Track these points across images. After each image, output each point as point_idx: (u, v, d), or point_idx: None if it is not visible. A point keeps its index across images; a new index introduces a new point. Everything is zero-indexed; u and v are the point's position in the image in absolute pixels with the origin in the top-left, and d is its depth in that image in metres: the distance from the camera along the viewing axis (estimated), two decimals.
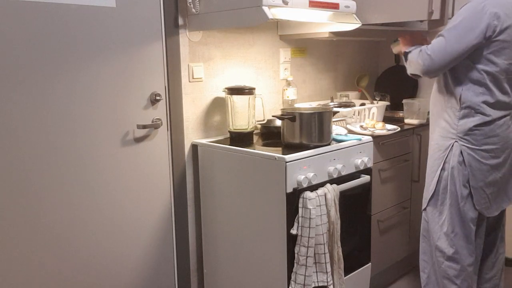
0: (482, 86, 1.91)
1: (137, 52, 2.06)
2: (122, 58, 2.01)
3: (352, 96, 2.99)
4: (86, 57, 1.91)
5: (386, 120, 2.69)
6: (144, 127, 2.10)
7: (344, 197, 2.06)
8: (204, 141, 2.25)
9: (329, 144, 2.08)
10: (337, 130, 2.26)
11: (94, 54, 1.93)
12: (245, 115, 2.27)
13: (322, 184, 1.99)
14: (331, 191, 1.97)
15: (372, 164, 2.27)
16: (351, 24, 2.34)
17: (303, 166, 1.93)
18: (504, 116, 1.96)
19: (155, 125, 2.14)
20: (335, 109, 2.36)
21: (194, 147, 2.28)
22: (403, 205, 2.67)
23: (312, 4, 2.06)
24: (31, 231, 1.83)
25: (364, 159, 2.19)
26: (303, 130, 2.04)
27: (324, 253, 1.93)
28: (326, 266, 1.95)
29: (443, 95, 2.04)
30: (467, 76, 1.92)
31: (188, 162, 2.28)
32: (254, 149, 2.04)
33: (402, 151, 2.58)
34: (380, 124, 2.41)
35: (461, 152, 1.97)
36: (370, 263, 2.34)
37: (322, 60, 2.96)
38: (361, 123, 2.52)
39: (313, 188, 1.95)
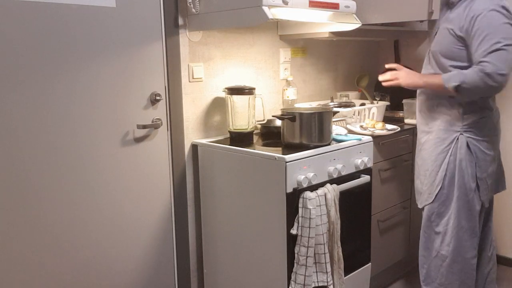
0: None
1: (137, 52, 2.06)
2: (122, 58, 2.01)
3: (352, 96, 2.99)
4: (86, 57, 1.91)
5: (386, 120, 2.69)
6: (144, 127, 2.10)
7: (344, 197, 2.06)
8: (204, 141, 2.25)
9: (329, 144, 2.08)
10: (337, 130, 2.26)
11: (94, 54, 1.93)
12: (245, 115, 2.27)
13: (322, 184, 1.99)
14: (331, 191, 1.97)
15: (372, 164, 2.27)
16: (351, 24, 2.34)
17: (303, 166, 1.93)
18: (496, 108, 2.06)
19: (155, 125, 2.14)
20: (335, 109, 2.36)
21: (194, 147, 2.28)
22: (403, 205, 2.67)
23: (312, 4, 2.06)
24: (31, 231, 1.83)
25: (364, 159, 2.19)
26: (303, 130, 2.04)
27: (324, 253, 1.93)
28: (326, 266, 1.95)
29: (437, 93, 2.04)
30: None
31: (188, 162, 2.28)
32: (254, 149, 2.04)
33: (402, 151, 2.58)
34: (380, 124, 2.41)
35: (467, 144, 1.99)
36: (370, 263, 2.34)
37: (322, 60, 2.96)
38: (361, 123, 2.52)
39: (313, 188, 1.95)
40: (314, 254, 1.92)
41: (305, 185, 1.92)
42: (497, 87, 1.84)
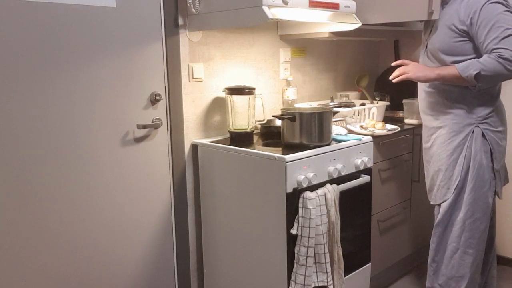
0: None
1: (137, 52, 2.06)
2: (122, 58, 2.01)
3: (352, 96, 2.99)
4: (86, 57, 1.91)
5: (386, 120, 2.69)
6: (144, 127, 2.10)
7: (344, 197, 2.06)
8: (204, 141, 2.25)
9: (329, 144, 2.08)
10: (337, 130, 2.26)
11: (94, 54, 1.93)
12: (245, 115, 2.27)
13: (322, 184, 1.99)
14: (331, 191, 1.97)
15: (372, 164, 2.27)
16: (351, 24, 2.34)
17: (303, 166, 1.93)
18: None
19: (155, 125, 2.14)
20: (335, 109, 2.36)
21: (194, 147, 2.28)
22: (403, 205, 2.67)
23: (312, 4, 2.06)
24: (31, 231, 1.83)
25: (364, 159, 2.19)
26: (303, 130, 2.04)
27: (324, 253, 1.93)
28: (326, 266, 1.95)
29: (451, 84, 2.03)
30: None
31: (188, 162, 2.28)
32: (254, 149, 2.04)
33: (402, 151, 2.58)
34: (380, 124, 2.40)
35: (483, 134, 2.00)
36: (370, 263, 2.34)
37: (322, 60, 2.96)
38: (361, 123, 2.52)
39: (313, 188, 1.95)
40: (314, 254, 1.92)
41: (305, 185, 1.92)
42: None
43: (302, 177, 1.90)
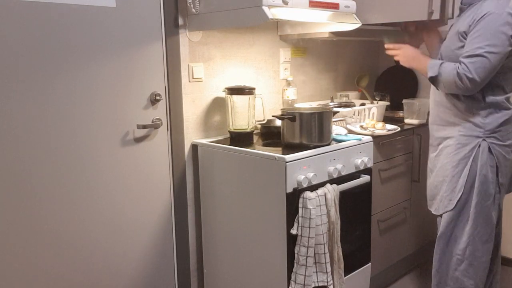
0: (500, 88, 1.94)
1: (137, 52, 2.06)
2: (122, 58, 2.01)
3: (352, 96, 2.99)
4: (86, 57, 1.91)
5: (386, 120, 2.69)
6: (144, 127, 2.10)
7: (344, 197, 2.06)
8: (204, 141, 2.25)
9: (329, 144, 2.08)
10: (337, 130, 2.26)
11: (94, 54, 1.93)
12: (245, 115, 2.27)
13: (322, 184, 1.99)
14: (331, 191, 1.97)
15: (372, 164, 2.27)
16: (351, 24, 2.34)
17: (303, 166, 1.93)
18: None
19: (155, 125, 2.14)
20: (335, 109, 2.36)
21: (194, 147, 2.28)
22: (403, 205, 2.67)
23: (312, 4, 2.06)
24: (31, 231, 1.83)
25: (364, 159, 2.19)
26: (303, 130, 2.04)
27: (324, 253, 1.93)
28: (326, 266, 1.95)
29: (459, 95, 2.03)
30: (489, 81, 1.92)
31: (188, 162, 2.28)
32: (254, 149, 2.04)
33: (402, 151, 2.58)
34: (380, 124, 2.40)
35: (489, 149, 1.98)
36: (370, 263, 2.34)
37: (322, 60, 2.96)
38: (361, 123, 2.52)
39: (313, 188, 1.95)
40: (314, 254, 1.92)
41: (305, 185, 1.92)
42: (465, 89, 1.90)
43: (302, 177, 1.90)
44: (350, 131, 2.35)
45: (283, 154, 1.91)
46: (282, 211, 1.92)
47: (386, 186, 2.51)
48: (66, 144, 1.89)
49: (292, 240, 1.93)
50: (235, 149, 2.08)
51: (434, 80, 2.00)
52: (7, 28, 1.70)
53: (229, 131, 2.31)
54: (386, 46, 2.27)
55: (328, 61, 3.00)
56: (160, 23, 2.13)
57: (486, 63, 1.84)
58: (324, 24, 2.43)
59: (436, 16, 2.17)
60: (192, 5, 2.11)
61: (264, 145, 2.19)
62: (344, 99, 2.86)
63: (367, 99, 2.90)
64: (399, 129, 2.45)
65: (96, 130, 1.97)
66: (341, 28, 2.40)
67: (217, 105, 2.38)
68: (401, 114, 2.80)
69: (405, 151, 2.61)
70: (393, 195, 2.58)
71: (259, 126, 2.43)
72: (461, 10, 2.04)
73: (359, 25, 2.34)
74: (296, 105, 2.65)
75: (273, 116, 2.23)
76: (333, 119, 2.21)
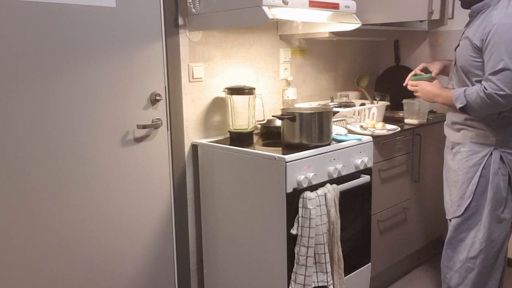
0: None
1: (137, 52, 2.06)
2: (122, 58, 2.01)
3: (352, 96, 2.99)
4: (86, 57, 1.91)
5: (386, 120, 2.69)
6: (144, 127, 2.10)
7: (344, 197, 2.06)
8: (204, 141, 2.25)
9: (329, 144, 2.08)
10: (337, 130, 2.26)
11: (94, 54, 1.93)
12: (245, 115, 2.27)
13: (322, 184, 1.99)
14: (331, 191, 1.97)
15: (372, 164, 2.27)
16: (351, 24, 2.34)
17: (303, 166, 1.93)
18: None
19: (155, 125, 2.14)
20: (335, 109, 2.36)
21: (194, 147, 2.28)
22: (403, 205, 2.67)
23: (312, 4, 2.05)
24: (31, 231, 1.83)
25: (364, 159, 2.19)
26: (303, 130, 2.04)
27: (324, 253, 1.93)
28: (326, 266, 1.95)
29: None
30: None
31: (188, 162, 2.28)
32: (254, 149, 2.04)
33: (402, 151, 2.58)
34: (380, 124, 2.40)
35: (501, 158, 1.98)
36: (370, 263, 2.34)
37: (322, 60, 2.96)
38: (361, 123, 2.52)
39: (313, 188, 1.95)
40: (314, 254, 1.92)
41: (305, 185, 1.92)
42: (499, 106, 1.87)
43: (302, 177, 1.90)
44: (350, 131, 2.35)
45: (283, 154, 1.91)
46: (282, 211, 1.92)
47: (386, 186, 2.51)
48: (66, 144, 1.89)
49: (292, 240, 1.93)
50: (235, 149, 2.08)
51: (465, 109, 1.96)
52: (7, 28, 1.70)
53: (229, 131, 2.31)
54: (407, 84, 2.27)
55: (328, 61, 3.00)
56: (160, 23, 2.13)
57: (510, 74, 1.81)
58: (324, 24, 2.43)
59: (436, 16, 2.18)
60: (192, 5, 2.11)
61: (264, 145, 2.19)
62: (344, 99, 2.86)
63: (367, 99, 2.90)
64: (399, 129, 2.44)
65: (96, 130, 1.97)
66: (341, 28, 2.39)
67: (217, 105, 2.38)
68: (401, 114, 2.80)
69: (405, 151, 2.61)
70: (393, 195, 2.58)
71: (259, 126, 2.43)
72: (471, 17, 2.02)
73: (359, 25, 2.34)
74: (296, 105, 2.65)
75: (273, 116, 2.23)
76: (333, 119, 2.21)
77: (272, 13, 1.89)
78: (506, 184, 2.00)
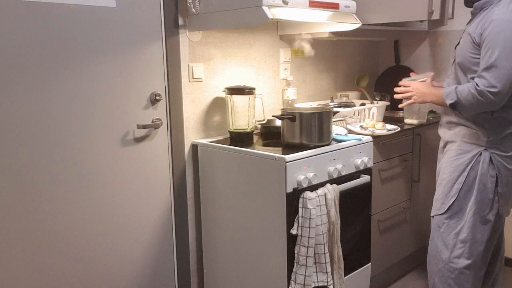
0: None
1: (137, 52, 2.06)
2: (122, 58, 2.01)
3: (352, 96, 2.99)
4: (86, 57, 1.91)
5: (386, 120, 2.69)
6: (144, 127, 2.10)
7: (344, 197, 2.06)
8: (204, 141, 2.25)
9: (329, 144, 2.08)
10: (337, 130, 2.26)
11: (94, 54, 1.93)
12: (245, 115, 2.27)
13: (322, 184, 1.99)
14: (331, 191, 1.97)
15: (372, 164, 2.27)
16: (351, 24, 2.34)
17: (303, 166, 1.93)
18: None
19: (155, 125, 2.14)
20: (335, 109, 2.36)
21: (194, 147, 2.28)
22: (403, 205, 2.67)
23: (312, 4, 2.06)
24: (31, 231, 1.83)
25: (364, 159, 2.19)
26: (303, 130, 2.04)
27: (324, 253, 1.93)
28: (326, 266, 1.95)
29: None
30: None
31: (188, 162, 2.28)
32: (254, 149, 2.04)
33: (402, 151, 2.58)
34: (380, 124, 2.41)
35: (490, 159, 1.96)
36: (370, 263, 2.34)
37: (322, 60, 2.96)
38: (361, 123, 2.52)
39: (313, 188, 1.95)
40: (314, 254, 1.92)
41: (305, 185, 1.92)
42: (491, 104, 1.84)
43: (302, 177, 1.90)
44: (350, 131, 2.35)
45: (283, 154, 1.91)
46: (282, 211, 1.92)
47: (386, 186, 2.51)
48: (66, 144, 1.89)
49: (292, 240, 1.93)
50: (235, 149, 2.08)
51: (455, 106, 1.95)
52: (6, 28, 1.70)
53: (229, 131, 2.31)
54: (396, 89, 2.26)
55: (328, 61, 3.00)
56: (160, 23, 2.13)
57: (504, 72, 1.78)
58: (324, 24, 2.43)
59: (436, 16, 2.18)
60: (192, 5, 2.11)
61: (264, 145, 2.19)
62: (344, 99, 2.86)
63: (367, 99, 2.90)
64: (399, 129, 2.45)
65: (96, 130, 1.97)
66: (341, 28, 2.39)
67: (217, 105, 2.38)
68: (401, 114, 2.80)
69: (405, 151, 2.61)
70: (393, 195, 2.58)
71: (259, 126, 2.43)
72: (473, 15, 2.01)
73: (359, 25, 2.34)
74: (296, 105, 2.65)
75: (273, 116, 2.23)
76: (333, 119, 2.21)
77: (272, 13, 1.89)
78: (494, 186, 1.98)
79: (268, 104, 2.61)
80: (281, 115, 2.10)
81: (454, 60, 2.06)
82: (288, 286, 1.95)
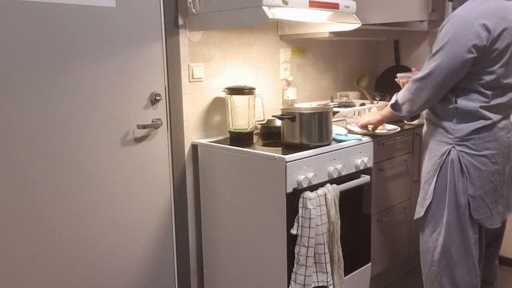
0: (478, 93, 1.83)
1: (137, 52, 2.06)
2: (122, 58, 2.01)
3: (352, 96, 2.99)
4: (86, 57, 1.91)
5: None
6: (144, 127, 2.10)
7: (344, 197, 2.06)
8: (204, 141, 2.25)
9: (329, 144, 2.08)
10: (337, 130, 2.26)
11: (94, 54, 1.93)
12: (245, 115, 2.27)
13: (322, 184, 1.99)
14: (331, 191, 1.97)
15: (372, 164, 2.27)
16: (351, 24, 2.34)
17: (303, 166, 1.93)
18: (503, 118, 1.89)
19: (155, 125, 2.14)
20: (335, 109, 2.36)
21: (194, 147, 2.28)
22: (403, 205, 2.67)
23: (312, 4, 2.06)
24: (31, 231, 1.83)
25: (364, 159, 2.19)
26: (303, 130, 2.04)
27: (324, 253, 1.93)
28: (326, 266, 1.95)
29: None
30: (461, 86, 1.85)
31: (188, 162, 2.28)
32: (254, 149, 2.04)
33: (402, 151, 2.58)
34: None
35: (459, 158, 1.86)
36: (370, 263, 2.34)
37: (322, 60, 2.96)
38: None
39: (313, 188, 1.95)
40: (314, 254, 1.92)
41: (305, 185, 1.92)
42: (414, 93, 1.93)
43: (302, 177, 1.90)
44: (350, 131, 2.35)
45: (283, 154, 1.91)
46: (282, 211, 1.92)
47: (386, 186, 2.51)
48: (66, 144, 1.89)
49: (292, 240, 1.93)
50: (235, 149, 2.08)
51: (395, 106, 2.04)
52: (6, 28, 1.70)
53: (229, 131, 2.31)
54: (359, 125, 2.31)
55: (328, 61, 3.00)
56: (160, 23, 2.13)
57: (417, 89, 1.89)
58: (324, 24, 2.43)
59: (436, 16, 2.17)
60: (192, 5, 2.11)
61: (264, 145, 2.19)
62: (344, 99, 2.86)
63: (367, 99, 2.90)
64: (399, 129, 2.44)
65: (96, 130, 1.97)
66: (341, 28, 2.40)
67: (217, 105, 2.38)
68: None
69: (405, 151, 2.61)
70: (393, 195, 2.58)
71: (259, 126, 2.43)
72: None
73: (359, 25, 2.34)
74: (296, 105, 2.65)
75: (273, 116, 2.23)
76: (333, 119, 2.21)
77: (272, 13, 1.89)
78: (465, 187, 1.86)
79: (268, 104, 2.61)
80: (281, 115, 2.10)
81: None
82: (288, 286, 1.95)
